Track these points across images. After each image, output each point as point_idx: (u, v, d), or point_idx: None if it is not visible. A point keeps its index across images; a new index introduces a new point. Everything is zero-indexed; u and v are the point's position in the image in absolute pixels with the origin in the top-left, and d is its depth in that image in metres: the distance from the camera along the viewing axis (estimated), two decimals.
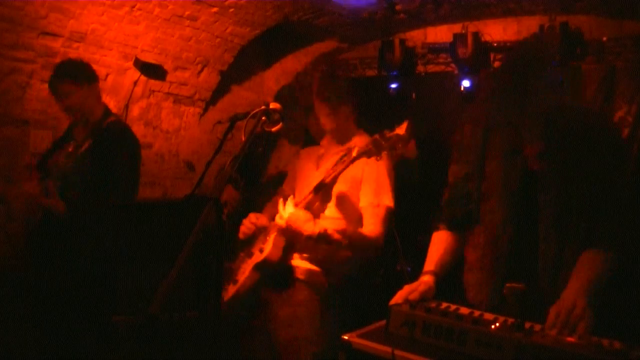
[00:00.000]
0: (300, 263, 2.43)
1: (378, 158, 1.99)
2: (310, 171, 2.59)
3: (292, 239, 2.35)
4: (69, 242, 2.97)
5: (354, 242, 2.30)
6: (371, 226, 2.37)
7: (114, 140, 3.02)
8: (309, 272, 2.40)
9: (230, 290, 2.46)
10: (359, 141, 2.50)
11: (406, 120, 1.94)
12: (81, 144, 3.07)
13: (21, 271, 3.20)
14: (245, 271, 2.45)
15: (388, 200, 2.39)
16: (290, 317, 2.38)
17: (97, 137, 3.01)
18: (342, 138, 2.56)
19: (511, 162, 1.82)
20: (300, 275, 2.41)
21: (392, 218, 2.42)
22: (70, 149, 3.12)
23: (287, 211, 2.29)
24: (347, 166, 2.17)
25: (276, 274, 2.39)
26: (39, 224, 3.11)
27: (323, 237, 2.20)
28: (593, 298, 1.64)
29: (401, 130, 1.93)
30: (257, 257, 2.40)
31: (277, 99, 3.10)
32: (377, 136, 2.00)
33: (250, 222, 2.51)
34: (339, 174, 2.23)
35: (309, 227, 2.24)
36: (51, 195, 2.97)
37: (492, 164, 1.87)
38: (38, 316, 3.11)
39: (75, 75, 3.05)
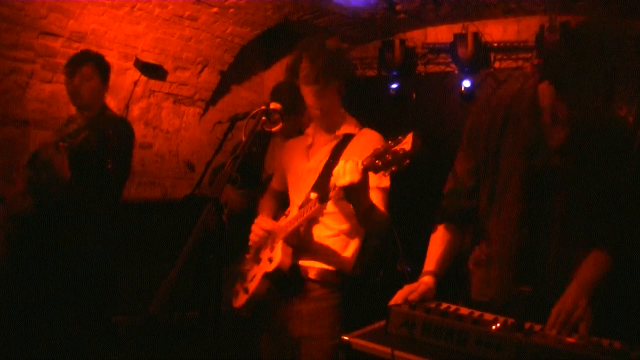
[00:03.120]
0: (310, 264, 2.43)
1: (385, 173, 1.94)
2: (301, 163, 2.55)
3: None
4: (65, 239, 2.98)
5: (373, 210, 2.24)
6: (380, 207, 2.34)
7: (115, 131, 3.08)
8: (321, 272, 2.41)
9: (242, 298, 2.47)
10: (348, 128, 2.48)
11: (410, 133, 1.88)
12: (77, 134, 3.08)
13: (20, 270, 3.20)
14: (255, 279, 2.45)
15: (386, 181, 2.36)
16: (309, 313, 2.39)
17: (97, 127, 3.04)
18: (330, 124, 2.51)
19: (528, 159, 1.82)
20: (312, 275, 2.41)
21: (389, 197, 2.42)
22: (65, 140, 3.13)
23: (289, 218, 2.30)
24: None
25: (286, 277, 2.40)
26: (29, 213, 3.12)
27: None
28: (592, 298, 1.64)
29: (407, 145, 1.87)
30: (267, 267, 2.39)
31: (273, 95, 3.06)
32: (381, 149, 1.93)
33: (261, 228, 2.49)
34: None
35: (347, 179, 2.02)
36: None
37: (508, 159, 1.86)
38: (38, 316, 3.11)
39: (99, 63, 3.23)
